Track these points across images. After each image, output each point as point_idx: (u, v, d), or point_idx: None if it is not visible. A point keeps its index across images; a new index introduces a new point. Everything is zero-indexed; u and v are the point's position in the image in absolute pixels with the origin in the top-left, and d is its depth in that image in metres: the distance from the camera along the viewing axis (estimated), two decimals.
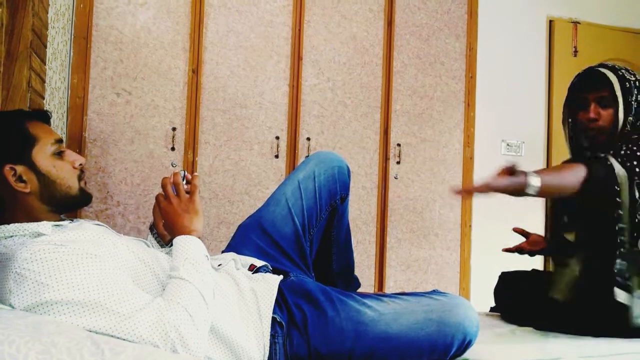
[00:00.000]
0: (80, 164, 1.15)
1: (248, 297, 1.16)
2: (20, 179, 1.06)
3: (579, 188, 1.33)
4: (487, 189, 1.25)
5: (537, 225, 3.22)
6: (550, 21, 3.29)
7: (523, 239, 1.89)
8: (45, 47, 1.87)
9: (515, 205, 3.19)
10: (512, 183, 1.27)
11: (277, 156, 2.65)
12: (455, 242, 3.00)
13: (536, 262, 3.19)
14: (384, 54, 2.87)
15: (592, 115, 1.52)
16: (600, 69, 1.55)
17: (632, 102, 1.50)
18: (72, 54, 2.38)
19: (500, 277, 1.86)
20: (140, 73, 2.47)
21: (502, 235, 3.06)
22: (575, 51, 3.28)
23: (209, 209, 2.55)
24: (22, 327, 0.76)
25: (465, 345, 1.23)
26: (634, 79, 1.52)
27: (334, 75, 2.76)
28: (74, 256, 0.95)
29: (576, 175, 1.33)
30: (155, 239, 1.35)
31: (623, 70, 1.54)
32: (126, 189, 2.44)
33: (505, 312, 1.79)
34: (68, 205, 1.15)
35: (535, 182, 1.27)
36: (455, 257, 2.99)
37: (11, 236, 1.04)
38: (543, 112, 3.26)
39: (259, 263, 1.31)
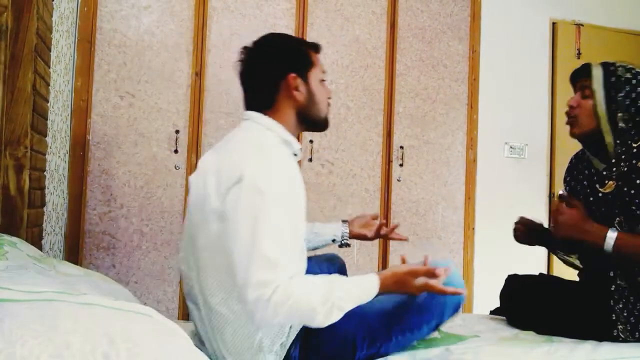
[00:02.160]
0: (330, 97, 1.40)
1: None
2: (297, 89, 1.30)
3: None
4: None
5: None
6: (554, 23, 3.29)
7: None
8: (50, 50, 1.88)
9: (519, 208, 3.18)
10: (594, 230, 1.45)
11: None
12: (459, 245, 2.99)
13: (543, 267, 3.19)
14: (387, 57, 2.87)
15: (571, 102, 1.60)
16: (592, 63, 1.60)
17: (619, 98, 1.52)
18: (76, 57, 2.38)
19: (506, 280, 1.85)
20: (144, 76, 2.48)
21: (505, 238, 3.06)
22: (579, 53, 3.28)
23: None
24: (37, 326, 0.75)
25: (459, 302, 1.35)
26: (628, 75, 1.54)
27: (336, 77, 2.77)
28: (290, 206, 1.17)
29: None
30: (342, 233, 1.65)
31: (619, 68, 1.56)
32: (129, 191, 2.45)
33: (511, 315, 1.78)
34: (312, 125, 1.39)
35: (611, 235, 1.42)
36: (458, 260, 2.99)
37: (269, 129, 1.29)
38: (546, 115, 3.25)
39: None
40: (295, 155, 1.34)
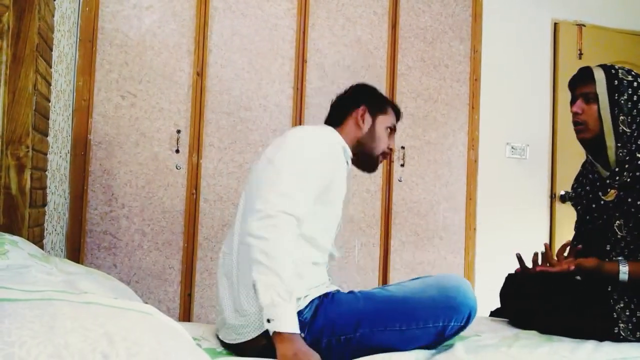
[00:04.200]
0: (390, 149, 1.63)
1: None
2: (363, 120, 1.58)
3: None
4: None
5: (541, 229, 3.21)
6: (555, 24, 3.28)
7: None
8: (51, 50, 1.88)
9: (520, 209, 3.18)
10: (605, 270, 1.49)
11: None
12: (460, 245, 2.99)
13: None
14: (388, 57, 2.87)
15: (574, 109, 1.60)
16: (592, 66, 1.59)
17: (622, 101, 1.52)
18: (77, 57, 2.39)
19: (506, 278, 1.85)
20: (145, 76, 2.48)
21: (506, 238, 3.06)
22: (580, 54, 3.27)
23: (213, 211, 2.55)
24: (36, 326, 0.75)
25: (469, 315, 1.39)
26: (629, 78, 1.53)
27: (338, 78, 2.77)
28: (324, 180, 1.41)
29: None
30: None
31: (620, 70, 1.55)
32: (131, 191, 2.45)
33: (511, 315, 1.78)
34: (363, 158, 1.60)
35: (623, 270, 1.47)
36: (459, 261, 2.99)
37: (333, 143, 1.49)
38: (548, 115, 3.25)
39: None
40: (347, 163, 1.55)
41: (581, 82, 1.60)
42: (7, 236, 1.30)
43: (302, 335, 1.31)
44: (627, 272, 1.46)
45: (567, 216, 3.15)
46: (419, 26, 2.94)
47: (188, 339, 0.97)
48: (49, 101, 1.90)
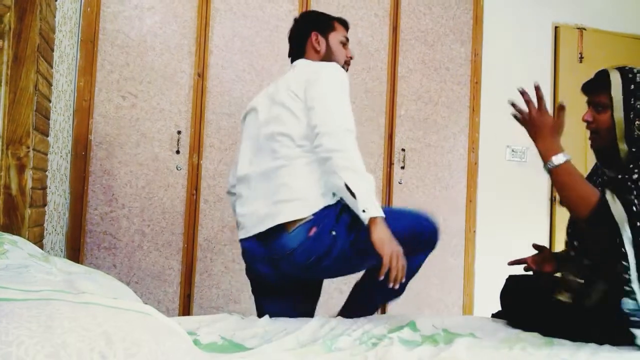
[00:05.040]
0: (350, 57, 1.82)
1: None
2: (318, 43, 1.76)
3: (586, 215, 1.41)
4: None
5: (541, 232, 3.21)
6: (556, 27, 3.29)
7: (529, 252, 1.88)
8: (53, 50, 1.88)
9: (519, 212, 3.19)
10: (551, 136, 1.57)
11: None
12: (460, 248, 2.99)
13: None
14: (389, 59, 2.87)
15: (585, 117, 1.59)
16: (609, 69, 1.56)
17: (637, 105, 1.49)
18: (78, 57, 2.39)
19: (507, 280, 1.85)
20: (146, 76, 2.49)
21: (506, 241, 3.06)
22: (581, 57, 3.27)
23: (213, 212, 2.55)
24: (33, 326, 0.74)
25: (434, 225, 1.79)
26: None
27: None
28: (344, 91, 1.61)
29: (589, 195, 1.42)
30: None
31: (637, 74, 1.52)
32: (131, 191, 2.45)
33: (511, 315, 1.78)
34: None
35: (558, 159, 1.48)
36: (459, 263, 2.98)
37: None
38: None
39: None
40: None
41: (594, 90, 1.57)
42: (7, 236, 1.30)
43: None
44: (556, 167, 1.49)
45: (567, 219, 3.15)
46: (420, 29, 2.95)
47: (187, 340, 0.96)
48: (50, 101, 1.90)
